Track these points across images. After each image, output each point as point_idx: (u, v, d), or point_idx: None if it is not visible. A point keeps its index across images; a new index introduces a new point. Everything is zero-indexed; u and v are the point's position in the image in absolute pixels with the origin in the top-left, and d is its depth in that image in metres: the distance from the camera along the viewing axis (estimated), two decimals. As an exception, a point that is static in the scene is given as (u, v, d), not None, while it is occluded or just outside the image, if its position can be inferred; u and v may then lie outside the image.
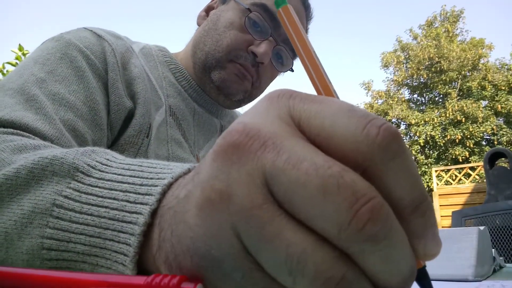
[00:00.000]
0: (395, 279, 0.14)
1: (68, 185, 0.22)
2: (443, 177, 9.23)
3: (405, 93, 17.46)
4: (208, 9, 0.68)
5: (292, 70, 0.68)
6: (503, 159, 2.32)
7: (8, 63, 2.96)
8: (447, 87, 16.18)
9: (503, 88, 15.27)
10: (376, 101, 17.26)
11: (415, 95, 17.46)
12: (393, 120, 16.39)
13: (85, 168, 0.23)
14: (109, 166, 0.23)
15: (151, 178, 0.21)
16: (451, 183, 8.80)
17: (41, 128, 0.39)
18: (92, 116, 0.47)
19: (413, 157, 0.14)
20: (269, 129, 0.14)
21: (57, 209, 0.22)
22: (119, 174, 0.22)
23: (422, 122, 15.55)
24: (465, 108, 14.79)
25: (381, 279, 0.14)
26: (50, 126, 0.40)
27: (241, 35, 0.60)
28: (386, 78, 20.22)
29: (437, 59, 16.05)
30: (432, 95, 17.05)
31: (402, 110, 16.04)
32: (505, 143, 14.41)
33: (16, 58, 2.98)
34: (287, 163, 0.13)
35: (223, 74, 0.60)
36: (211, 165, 0.15)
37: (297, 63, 0.68)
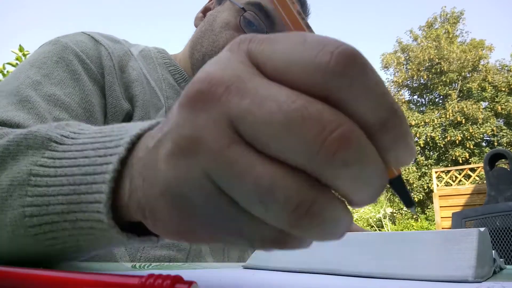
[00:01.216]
0: (367, 196, 0.15)
1: (43, 155, 0.23)
2: (443, 178, 9.23)
3: (405, 94, 17.48)
4: (205, 10, 0.69)
5: None
6: (503, 160, 2.32)
7: (9, 63, 2.96)
8: (447, 88, 16.19)
9: (503, 89, 15.28)
10: (376, 102, 17.25)
11: (415, 96, 17.49)
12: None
13: (58, 138, 0.24)
14: (82, 134, 0.24)
15: (121, 134, 0.22)
16: (451, 184, 8.80)
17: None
18: (87, 118, 0.47)
19: (378, 76, 0.15)
20: (231, 74, 0.15)
21: (34, 177, 0.23)
22: (91, 137, 0.23)
23: (422, 123, 15.56)
24: (465, 109, 14.80)
25: (353, 198, 0.15)
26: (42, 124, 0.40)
27: (237, 35, 0.59)
28: (386, 79, 20.21)
29: (437, 60, 16.06)
30: (432, 96, 17.07)
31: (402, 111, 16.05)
32: (505, 144, 14.41)
33: (17, 59, 2.99)
34: (251, 104, 0.14)
35: None
36: (178, 115, 0.16)
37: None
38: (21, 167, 0.23)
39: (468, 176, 8.88)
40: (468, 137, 14.72)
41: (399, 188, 0.17)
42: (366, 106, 0.14)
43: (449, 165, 13.95)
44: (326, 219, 0.14)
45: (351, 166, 0.13)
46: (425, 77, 16.45)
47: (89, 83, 0.49)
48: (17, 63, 2.98)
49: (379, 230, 12.25)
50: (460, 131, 14.82)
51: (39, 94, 0.43)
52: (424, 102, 17.35)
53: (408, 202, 0.18)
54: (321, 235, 0.14)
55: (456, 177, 8.98)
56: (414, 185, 14.74)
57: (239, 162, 0.14)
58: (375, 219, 13.33)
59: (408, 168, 15.00)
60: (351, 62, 0.14)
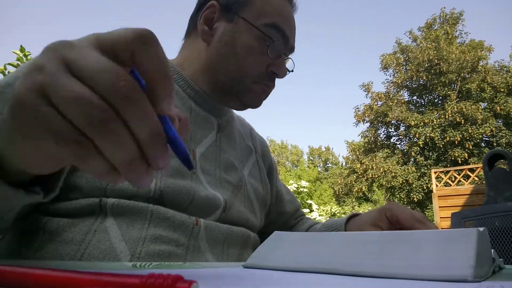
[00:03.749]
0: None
1: None
2: (442, 178, 9.24)
3: (405, 95, 17.50)
4: (206, 21, 0.66)
5: (292, 71, 0.71)
6: (502, 160, 2.33)
7: (10, 64, 2.96)
8: (446, 89, 16.21)
9: (502, 90, 15.30)
10: (376, 103, 17.29)
11: (415, 97, 17.51)
12: (393, 121, 16.42)
13: None
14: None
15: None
16: (450, 185, 8.81)
17: None
18: None
19: None
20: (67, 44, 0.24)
21: None
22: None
23: (422, 123, 15.57)
24: (464, 110, 14.81)
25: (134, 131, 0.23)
26: None
27: (261, 59, 0.64)
28: (385, 80, 20.25)
29: (436, 61, 16.08)
30: (431, 97, 17.09)
31: (402, 112, 16.07)
32: (504, 145, 14.43)
33: (18, 59, 2.99)
34: (78, 55, 0.22)
35: (251, 95, 0.66)
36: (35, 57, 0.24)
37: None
38: None
39: (467, 177, 8.89)
40: (467, 138, 14.74)
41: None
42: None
43: (448, 165, 13.97)
44: (115, 136, 0.22)
45: (128, 103, 0.22)
46: (424, 78, 16.47)
47: None
48: (18, 64, 2.97)
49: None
50: (459, 132, 14.83)
51: None
52: (423, 103, 17.37)
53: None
54: (113, 151, 0.22)
55: (455, 178, 8.99)
56: (414, 185, 14.75)
57: (66, 82, 0.22)
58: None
59: (408, 169, 15.03)
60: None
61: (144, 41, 0.23)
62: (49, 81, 0.22)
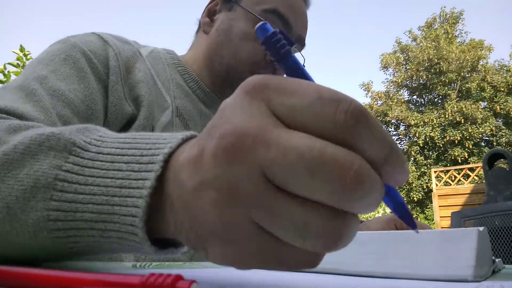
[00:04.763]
0: (370, 211, 0.18)
1: (67, 159, 0.24)
2: (442, 178, 9.23)
3: (405, 94, 17.49)
4: (209, 13, 0.67)
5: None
6: (502, 160, 2.32)
7: (10, 63, 2.96)
8: (446, 88, 16.21)
9: (502, 89, 15.30)
10: (376, 102, 17.28)
11: (415, 96, 17.50)
12: (393, 121, 16.41)
13: (81, 144, 0.24)
14: (104, 141, 0.25)
15: (150, 149, 0.22)
16: (450, 184, 8.81)
17: (36, 120, 0.40)
18: (88, 115, 0.48)
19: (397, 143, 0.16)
20: (255, 126, 0.17)
21: (60, 182, 0.23)
22: (117, 148, 0.24)
23: (422, 123, 15.57)
24: (464, 109, 14.81)
25: (363, 213, 0.18)
26: (46, 118, 0.41)
27: (258, 46, 0.60)
28: (385, 79, 20.24)
29: (436, 60, 16.07)
30: (431, 96, 17.08)
31: (402, 111, 16.06)
32: (504, 144, 14.43)
33: (18, 59, 2.99)
34: (276, 155, 0.16)
35: None
36: (215, 167, 0.18)
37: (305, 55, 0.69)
38: (44, 169, 0.23)
39: (467, 176, 8.88)
40: (467, 137, 14.73)
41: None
42: (373, 147, 0.17)
43: (448, 164, 13.96)
44: (349, 238, 0.17)
45: (366, 197, 0.16)
46: (424, 77, 16.46)
47: (94, 82, 0.50)
48: (18, 63, 2.98)
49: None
50: (459, 131, 14.83)
51: (44, 88, 0.45)
52: (423, 102, 17.36)
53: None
54: (341, 248, 0.18)
55: (455, 177, 8.99)
56: (413, 185, 14.75)
57: (275, 206, 0.17)
58: (374, 219, 13.31)
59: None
60: (361, 118, 0.17)
61: (363, 122, 0.17)
62: (256, 212, 0.17)
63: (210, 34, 0.65)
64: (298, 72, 0.21)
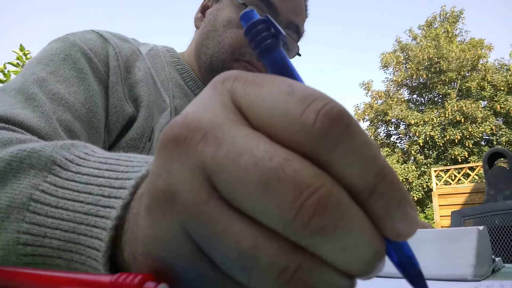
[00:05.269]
0: (356, 266, 0.13)
1: (45, 179, 0.22)
2: (442, 177, 9.23)
3: (405, 93, 17.47)
4: (203, 9, 0.68)
5: (299, 55, 0.67)
6: (502, 159, 2.32)
7: (9, 63, 2.95)
8: (446, 87, 16.19)
9: (502, 88, 15.28)
10: (376, 101, 17.26)
11: (415, 96, 17.48)
12: (393, 120, 16.41)
13: (62, 162, 0.23)
14: (87, 160, 0.23)
15: (127, 172, 0.20)
16: (450, 183, 8.80)
17: (36, 126, 0.38)
18: (89, 118, 0.47)
19: (368, 136, 0.13)
20: (210, 119, 0.14)
21: (34, 203, 0.21)
22: (96, 168, 0.22)
23: (422, 122, 15.56)
24: (464, 108, 14.79)
25: (341, 266, 0.13)
26: (46, 124, 0.40)
27: (241, 32, 0.58)
28: (385, 78, 20.22)
29: (436, 59, 16.05)
30: (431, 95, 17.06)
31: (402, 110, 16.05)
32: (504, 143, 14.43)
33: (17, 58, 2.98)
34: (226, 158, 0.13)
35: None
36: (155, 163, 0.15)
37: (302, 46, 0.67)
38: (21, 189, 0.22)
39: (467, 175, 8.88)
40: (467, 136, 14.73)
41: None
42: (353, 169, 0.13)
43: (448, 164, 13.96)
44: (314, 285, 0.13)
45: (329, 234, 0.12)
46: (424, 76, 16.44)
47: (94, 83, 0.49)
48: (17, 63, 2.97)
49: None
50: (459, 130, 14.81)
51: (44, 91, 0.44)
52: (423, 101, 17.34)
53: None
54: None
55: (455, 176, 8.99)
56: (413, 184, 14.75)
57: (219, 221, 0.13)
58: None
59: (408, 167, 15.02)
60: (336, 124, 0.13)
61: (339, 131, 0.13)
62: (192, 224, 0.13)
63: (200, 28, 0.65)
64: (284, 68, 0.17)
